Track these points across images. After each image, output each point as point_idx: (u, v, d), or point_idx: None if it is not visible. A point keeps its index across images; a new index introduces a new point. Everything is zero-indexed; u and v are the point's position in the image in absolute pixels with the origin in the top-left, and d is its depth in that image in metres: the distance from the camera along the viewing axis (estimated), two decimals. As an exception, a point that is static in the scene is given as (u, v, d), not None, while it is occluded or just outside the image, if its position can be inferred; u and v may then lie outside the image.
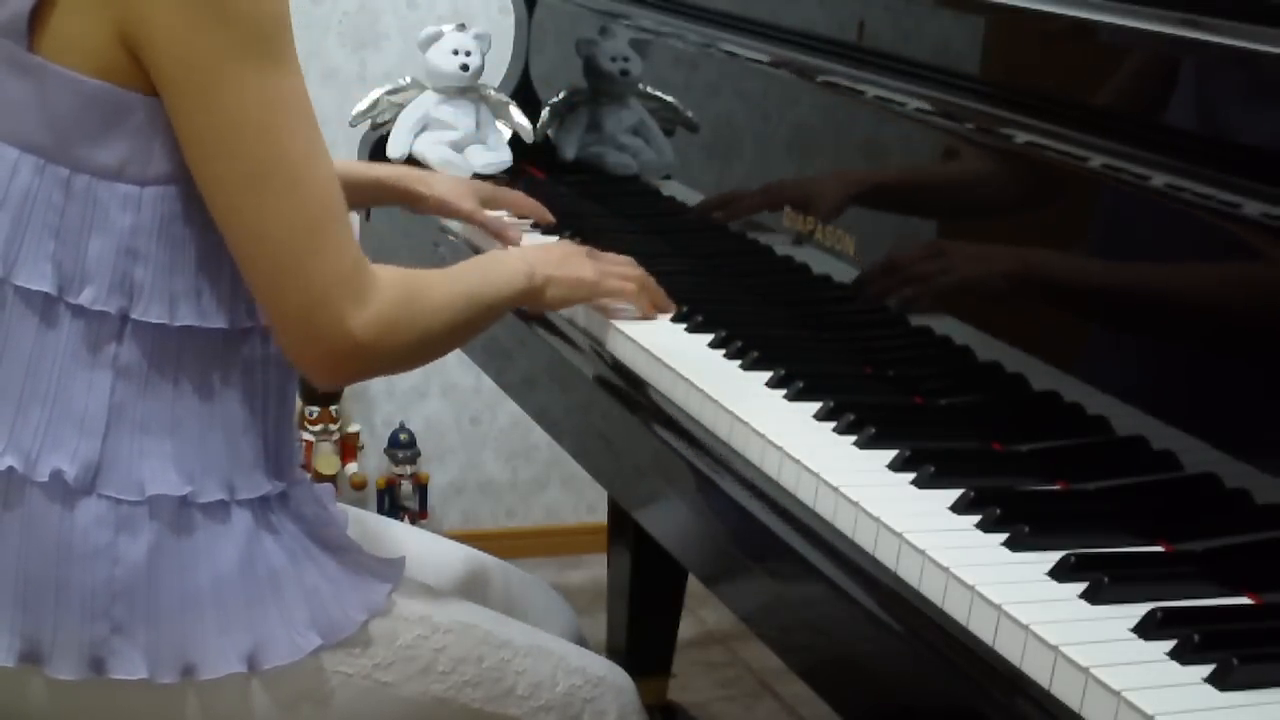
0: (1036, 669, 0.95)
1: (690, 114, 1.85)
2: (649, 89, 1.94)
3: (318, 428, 2.96)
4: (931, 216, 1.45)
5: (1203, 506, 1.10)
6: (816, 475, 1.18)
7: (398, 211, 1.88)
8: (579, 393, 1.55)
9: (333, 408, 2.96)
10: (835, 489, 1.16)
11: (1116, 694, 0.90)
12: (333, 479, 2.93)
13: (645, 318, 1.54)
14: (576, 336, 1.57)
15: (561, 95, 2.08)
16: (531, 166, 2.12)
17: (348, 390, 3.00)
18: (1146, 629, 0.97)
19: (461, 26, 2.06)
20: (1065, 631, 0.96)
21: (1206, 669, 0.93)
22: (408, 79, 2.08)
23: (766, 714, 2.65)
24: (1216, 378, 1.13)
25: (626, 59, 1.98)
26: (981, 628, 1.00)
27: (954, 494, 1.14)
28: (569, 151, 2.07)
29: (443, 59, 2.03)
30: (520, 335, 1.64)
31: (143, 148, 1.17)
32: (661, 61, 1.94)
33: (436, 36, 2.04)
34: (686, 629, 2.56)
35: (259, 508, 1.24)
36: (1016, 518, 1.10)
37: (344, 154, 2.35)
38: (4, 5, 1.17)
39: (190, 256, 1.20)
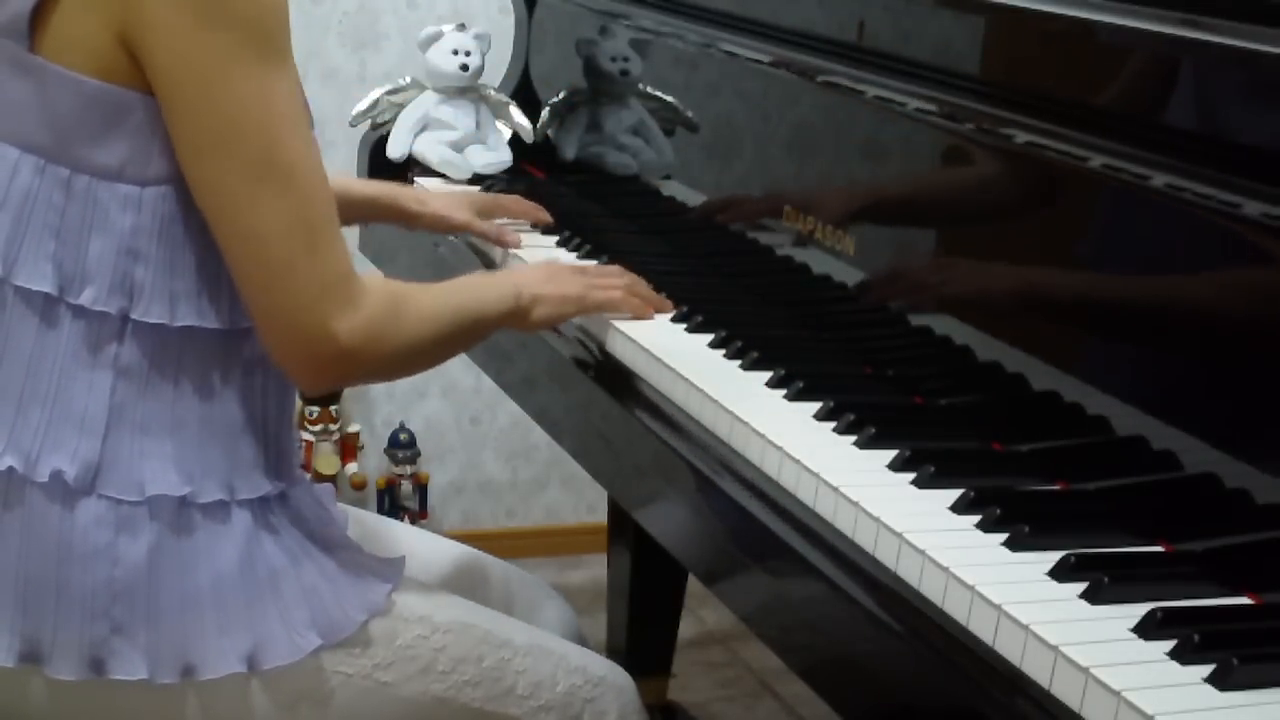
0: (1036, 669, 0.95)
1: (690, 114, 1.85)
2: (649, 89, 1.94)
3: (318, 428, 2.96)
4: (931, 217, 1.45)
5: (1203, 506, 1.10)
6: (816, 475, 1.18)
7: (398, 212, 1.88)
8: (579, 393, 1.55)
9: (333, 408, 2.96)
10: (835, 489, 1.16)
11: (1116, 694, 0.90)
12: (333, 479, 2.93)
13: (643, 318, 1.54)
14: (576, 336, 1.57)
15: (561, 95, 2.08)
16: (531, 166, 2.12)
17: (348, 390, 3.00)
18: (1146, 629, 0.97)
19: (461, 26, 2.06)
20: (1065, 631, 0.96)
21: (1206, 669, 0.93)
22: (408, 79, 2.08)
23: (766, 714, 2.65)
24: (1216, 378, 1.13)
25: (626, 59, 1.98)
26: (981, 628, 1.00)
27: (954, 494, 1.14)
28: (569, 151, 2.07)
29: (443, 59, 2.03)
30: (520, 336, 1.63)
31: (143, 148, 1.17)
32: (661, 61, 1.94)
33: (436, 36, 2.04)
34: (686, 629, 2.56)
35: (259, 508, 1.24)
36: (1016, 518, 1.10)
37: (344, 154, 2.36)
38: (5, 5, 1.17)
39: (190, 256, 1.20)
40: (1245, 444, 1.07)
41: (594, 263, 1.74)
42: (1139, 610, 0.98)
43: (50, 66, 1.16)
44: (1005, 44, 1.39)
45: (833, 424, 1.28)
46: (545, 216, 1.86)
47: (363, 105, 2.08)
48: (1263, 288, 1.08)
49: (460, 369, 3.03)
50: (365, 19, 2.91)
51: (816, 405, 1.31)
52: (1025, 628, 0.97)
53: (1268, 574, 1.04)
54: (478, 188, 2.03)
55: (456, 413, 3.14)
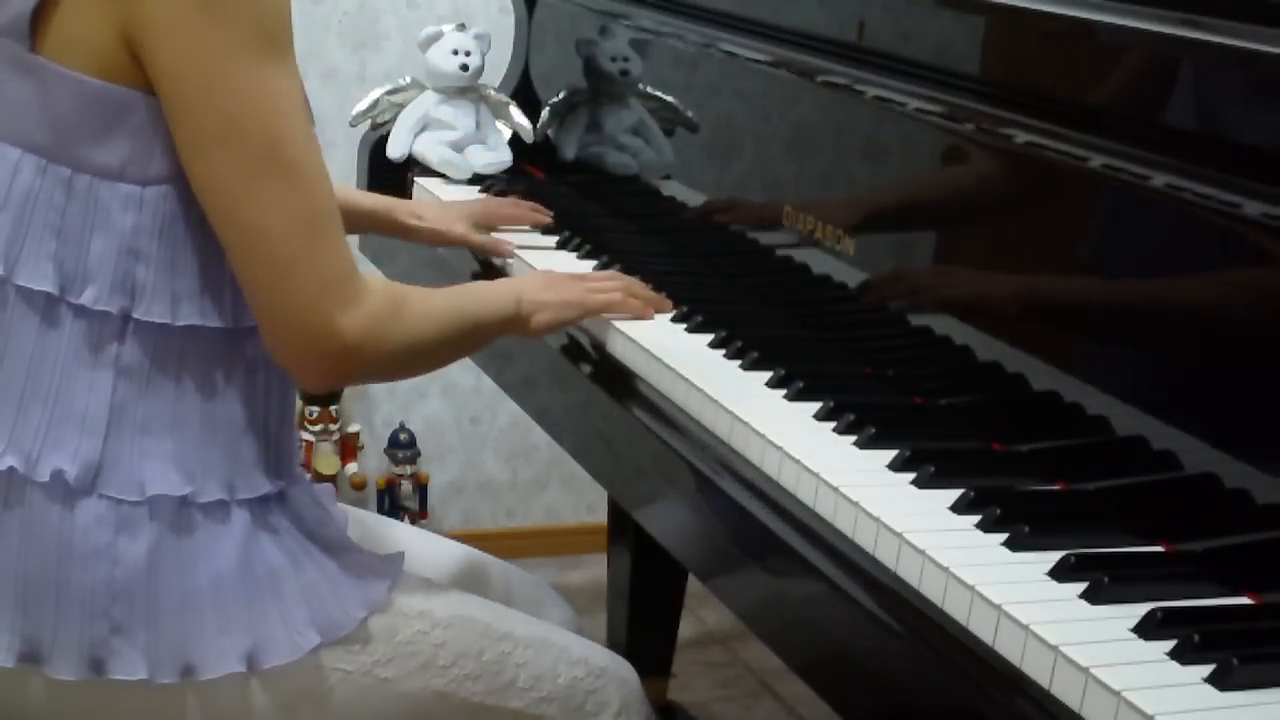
0: (1036, 669, 0.95)
1: (690, 114, 1.85)
2: (649, 89, 1.94)
3: (318, 428, 2.96)
4: (931, 217, 1.45)
5: (1203, 506, 1.10)
6: (816, 475, 1.18)
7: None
8: (579, 393, 1.55)
9: (333, 408, 2.96)
10: (835, 489, 1.16)
11: (1116, 694, 0.90)
12: (333, 479, 2.93)
13: (644, 318, 1.54)
14: (577, 336, 1.57)
15: (561, 95, 2.08)
16: (531, 166, 2.13)
17: (348, 390, 3.00)
18: (1146, 629, 0.97)
19: (461, 26, 2.06)
20: (1065, 631, 0.96)
21: (1206, 669, 0.93)
22: (408, 79, 2.09)
23: (766, 714, 2.65)
24: (1216, 378, 1.13)
25: (626, 59, 1.98)
26: (981, 628, 1.00)
27: (954, 494, 1.14)
28: (569, 151, 2.07)
29: (443, 59, 2.03)
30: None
31: (144, 148, 1.17)
32: (661, 61, 1.94)
33: (436, 36, 2.04)
34: (686, 629, 2.56)
35: (258, 508, 1.24)
36: (1016, 518, 1.10)
37: (344, 154, 2.36)
38: (6, 5, 1.17)
39: (192, 256, 1.20)
40: (1245, 444, 1.07)
41: (592, 264, 1.74)
42: (1139, 610, 0.99)
43: (51, 66, 1.16)
44: (1005, 44, 1.39)
45: (833, 424, 1.28)
46: (544, 217, 1.86)
47: (363, 105, 2.09)
48: (1263, 288, 1.08)
49: (460, 369, 3.03)
50: (365, 19, 2.91)
51: (816, 405, 1.32)
52: (1025, 628, 0.97)
53: (1268, 574, 1.04)
54: (477, 188, 2.03)
55: (456, 413, 3.14)
